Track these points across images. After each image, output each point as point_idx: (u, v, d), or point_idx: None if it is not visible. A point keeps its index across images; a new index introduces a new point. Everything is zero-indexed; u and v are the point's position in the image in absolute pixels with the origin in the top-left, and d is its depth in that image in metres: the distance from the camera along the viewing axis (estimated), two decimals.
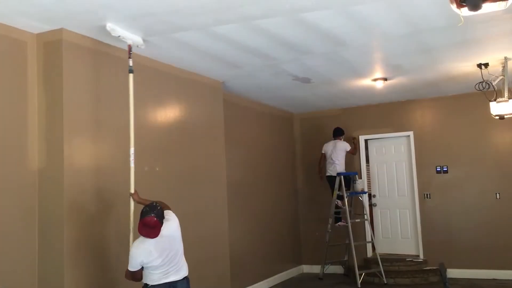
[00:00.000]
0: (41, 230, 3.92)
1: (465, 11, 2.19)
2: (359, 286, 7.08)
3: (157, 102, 5.00)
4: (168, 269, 3.53)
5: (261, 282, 7.26)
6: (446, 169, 7.83)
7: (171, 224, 3.62)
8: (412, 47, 5.07)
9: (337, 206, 7.76)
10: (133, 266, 3.51)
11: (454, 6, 2.19)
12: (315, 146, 8.45)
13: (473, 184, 7.61)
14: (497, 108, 5.76)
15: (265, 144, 7.85)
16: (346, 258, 8.02)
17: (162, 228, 3.47)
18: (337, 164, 7.80)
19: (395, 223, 8.28)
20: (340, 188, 7.59)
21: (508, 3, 2.19)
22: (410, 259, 7.83)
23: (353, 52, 5.19)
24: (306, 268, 8.63)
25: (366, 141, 8.55)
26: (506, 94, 5.69)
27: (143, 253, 3.44)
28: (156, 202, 3.61)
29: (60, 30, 3.97)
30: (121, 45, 4.46)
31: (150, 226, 3.39)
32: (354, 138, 8.25)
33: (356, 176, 7.90)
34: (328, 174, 7.93)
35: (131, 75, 4.20)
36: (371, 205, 8.52)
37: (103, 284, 4.14)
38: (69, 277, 3.84)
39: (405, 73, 6.20)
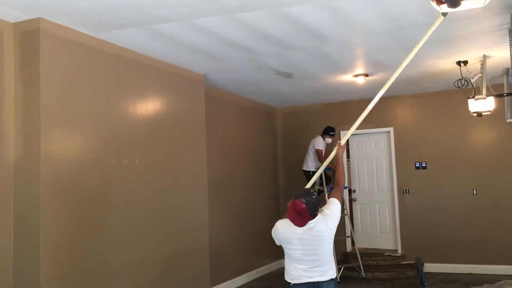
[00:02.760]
0: (17, 223, 3.85)
1: (444, 8, 2.20)
2: (338, 280, 7.13)
3: (137, 95, 4.94)
4: (311, 268, 3.17)
5: (241, 276, 7.27)
6: (425, 165, 7.93)
7: (328, 220, 3.19)
8: (392, 43, 5.10)
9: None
10: (274, 235, 3.29)
11: (434, 3, 2.20)
12: (297, 141, 8.48)
13: (451, 180, 7.72)
14: (475, 105, 5.85)
15: (247, 138, 7.85)
16: None
17: (314, 221, 3.12)
18: (307, 159, 7.82)
19: (374, 218, 8.37)
20: (321, 183, 7.63)
21: (487, 0, 2.21)
22: (389, 254, 7.92)
23: (335, 47, 5.20)
24: None
25: None
26: (484, 92, 5.77)
27: (283, 236, 3.20)
28: (314, 190, 3.28)
29: (38, 20, 3.90)
30: (100, 35, 4.39)
31: (297, 211, 3.07)
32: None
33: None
34: (302, 168, 7.93)
35: None
36: (351, 200, 8.59)
37: (82, 277, 4.10)
38: (46, 272, 3.78)
39: (386, 69, 6.25)
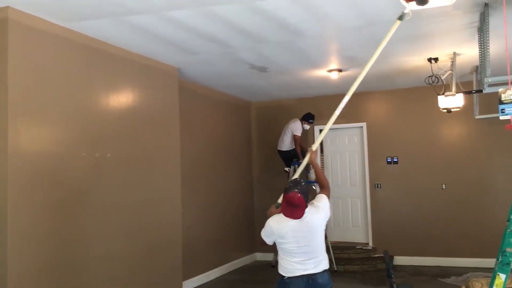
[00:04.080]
0: None
1: (413, 5, 2.24)
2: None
3: (109, 87, 4.88)
4: (305, 261, 3.21)
5: (214, 270, 7.28)
6: (396, 160, 8.07)
7: (320, 211, 3.27)
8: (365, 39, 5.16)
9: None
10: (265, 236, 3.30)
11: (402, 0, 2.24)
12: (271, 135, 8.50)
13: (421, 175, 7.88)
14: (445, 101, 5.96)
15: (222, 131, 7.83)
16: None
17: (305, 213, 3.17)
18: (282, 141, 7.88)
19: (347, 212, 8.49)
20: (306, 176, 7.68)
21: None
22: (360, 247, 8.05)
23: (309, 42, 5.23)
24: (260, 256, 8.72)
25: (320, 131, 8.66)
26: (453, 88, 5.89)
27: (277, 232, 3.20)
28: (301, 179, 3.31)
29: (6, 8, 3.79)
30: (71, 26, 4.31)
31: (293, 203, 3.09)
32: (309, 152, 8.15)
33: (310, 165, 7.99)
34: (277, 148, 8.01)
35: None
36: None
37: (53, 272, 4.03)
38: (14, 267, 3.71)
39: (359, 64, 6.31)
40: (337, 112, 3.58)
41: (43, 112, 4.08)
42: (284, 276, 3.24)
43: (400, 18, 3.38)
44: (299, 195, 3.10)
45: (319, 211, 3.27)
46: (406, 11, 3.27)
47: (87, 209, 4.48)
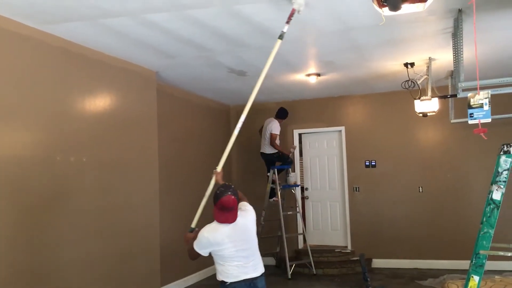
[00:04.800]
0: None
1: (386, 11, 2.27)
2: (290, 277, 7.23)
3: (85, 90, 4.81)
4: (246, 264, 3.29)
5: (193, 275, 7.23)
6: (374, 163, 8.15)
7: (249, 214, 3.40)
8: (343, 44, 5.21)
9: (271, 195, 7.85)
10: (200, 249, 3.29)
11: (376, 6, 2.27)
12: (251, 139, 8.50)
13: (399, 178, 7.98)
14: (421, 106, 6.05)
15: (200, 136, 7.80)
16: (278, 250, 8.16)
17: (238, 214, 3.26)
18: (266, 144, 7.86)
19: (326, 215, 8.53)
20: (273, 181, 7.69)
21: (426, 5, 2.30)
22: (339, 250, 8.10)
23: (288, 47, 5.23)
24: None
25: (300, 135, 8.72)
26: (429, 93, 5.98)
27: (214, 241, 3.21)
28: (230, 183, 3.42)
29: None
30: (47, 28, 4.25)
31: (228, 207, 3.16)
32: (291, 151, 8.25)
33: (290, 169, 8.04)
34: (260, 150, 7.98)
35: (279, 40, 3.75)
36: (303, 198, 8.72)
37: (27, 277, 3.95)
38: None
39: (337, 69, 6.37)
40: (235, 132, 3.89)
41: (17, 116, 4.00)
42: (227, 282, 3.27)
43: (280, 37, 3.65)
44: (233, 197, 3.18)
45: (248, 213, 3.39)
46: (284, 30, 3.60)
47: (62, 214, 4.41)
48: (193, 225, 3.71)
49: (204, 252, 3.31)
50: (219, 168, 3.80)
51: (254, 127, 8.58)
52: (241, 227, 3.28)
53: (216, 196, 3.21)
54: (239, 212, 3.30)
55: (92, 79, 4.92)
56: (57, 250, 4.31)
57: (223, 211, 3.18)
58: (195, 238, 3.33)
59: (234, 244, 3.22)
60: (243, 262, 3.27)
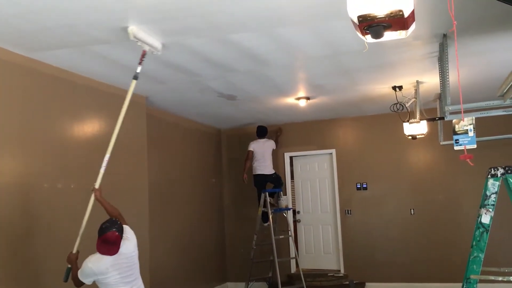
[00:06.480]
0: None
1: (369, 38, 2.30)
2: None
3: (74, 116, 4.79)
4: None
5: None
6: (365, 186, 8.15)
7: (131, 243, 3.55)
8: (332, 69, 5.25)
9: (264, 219, 7.79)
10: (83, 278, 3.41)
11: (359, 33, 2.30)
12: (242, 162, 8.47)
13: (390, 201, 7.97)
14: (409, 128, 6.08)
15: (191, 159, 7.77)
16: (270, 275, 8.06)
17: (121, 245, 3.39)
18: (268, 164, 7.85)
19: (318, 239, 8.47)
20: (265, 205, 7.64)
21: (409, 32, 2.33)
22: (332, 274, 8.02)
23: (277, 71, 5.29)
24: (231, 285, 8.58)
25: (291, 158, 8.72)
26: (417, 116, 6.03)
27: (98, 271, 3.33)
28: (116, 218, 3.56)
29: None
30: (35, 56, 4.25)
31: (111, 242, 3.29)
32: (278, 131, 8.35)
33: (281, 192, 8.00)
34: (259, 172, 7.87)
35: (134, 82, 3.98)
36: (295, 222, 8.66)
37: None
38: None
39: (327, 93, 6.41)
40: (102, 170, 3.92)
41: (4, 142, 3.97)
42: None
43: (135, 77, 3.86)
44: (117, 233, 3.33)
45: (131, 241, 3.54)
46: (138, 71, 3.77)
47: (48, 242, 4.33)
48: (74, 250, 3.73)
49: (88, 281, 3.43)
50: (97, 184, 3.83)
51: (245, 150, 8.56)
52: (125, 255, 3.43)
53: (101, 230, 3.32)
54: (122, 241, 3.41)
55: (81, 105, 4.91)
56: (42, 281, 4.22)
57: (105, 244, 3.30)
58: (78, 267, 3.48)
59: (119, 271, 3.37)
60: (128, 287, 3.44)
